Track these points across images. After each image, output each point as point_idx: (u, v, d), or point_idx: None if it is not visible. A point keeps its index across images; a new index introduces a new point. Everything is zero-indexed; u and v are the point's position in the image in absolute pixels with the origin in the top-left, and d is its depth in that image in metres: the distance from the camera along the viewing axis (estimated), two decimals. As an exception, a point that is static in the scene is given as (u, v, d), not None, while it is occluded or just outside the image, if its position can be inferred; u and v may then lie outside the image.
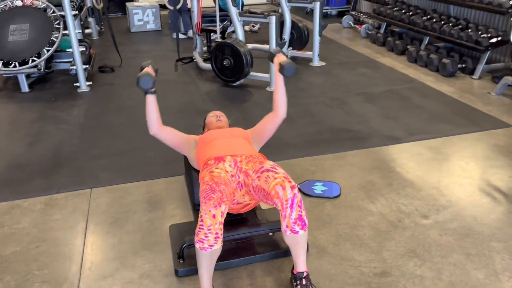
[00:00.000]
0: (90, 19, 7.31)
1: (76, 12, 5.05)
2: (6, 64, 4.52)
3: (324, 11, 8.71)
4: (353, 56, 5.95)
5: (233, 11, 4.63)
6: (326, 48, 6.04)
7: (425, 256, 2.21)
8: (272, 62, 2.53)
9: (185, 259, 2.15)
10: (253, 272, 2.13)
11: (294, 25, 5.68)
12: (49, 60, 4.87)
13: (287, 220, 1.84)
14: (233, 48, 4.49)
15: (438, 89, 4.59)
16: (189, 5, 7.03)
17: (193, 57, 5.64)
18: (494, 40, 4.70)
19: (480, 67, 4.82)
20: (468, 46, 4.87)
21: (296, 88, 4.70)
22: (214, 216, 1.75)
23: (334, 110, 4.11)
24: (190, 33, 7.10)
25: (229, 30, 6.23)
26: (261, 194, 1.96)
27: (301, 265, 1.93)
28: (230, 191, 1.94)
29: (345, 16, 7.83)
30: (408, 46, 5.75)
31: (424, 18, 5.69)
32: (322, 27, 5.39)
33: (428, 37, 5.68)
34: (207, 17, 6.71)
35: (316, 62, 5.51)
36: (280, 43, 4.51)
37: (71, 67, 4.79)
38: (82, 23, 5.90)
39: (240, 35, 4.67)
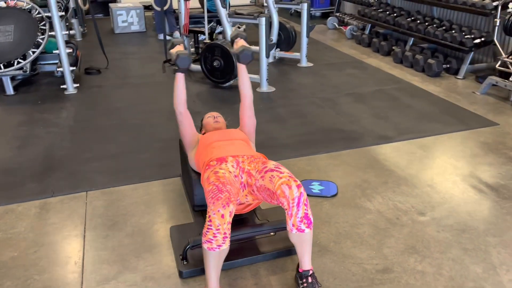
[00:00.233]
0: (73, 20, 7.20)
1: (63, 13, 4.96)
2: (-10, 66, 4.42)
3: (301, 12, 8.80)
4: (340, 57, 6.02)
5: (223, 13, 4.63)
6: (312, 49, 6.09)
7: (425, 252, 2.25)
8: (232, 46, 2.60)
9: (188, 260, 2.14)
10: (257, 272, 2.13)
11: (281, 26, 5.72)
12: (34, 62, 4.78)
13: (293, 219, 1.86)
14: (223, 49, 4.49)
15: (425, 89, 4.68)
16: (174, 7, 7.02)
17: (181, 59, 5.61)
18: (477, 41, 4.82)
19: (464, 67, 4.94)
20: (453, 47, 4.98)
21: (286, 89, 4.73)
22: (222, 216, 1.75)
23: (325, 110, 4.15)
24: (175, 34, 7.07)
25: (217, 31, 6.22)
26: (266, 193, 1.97)
27: (306, 263, 1.94)
28: (235, 191, 1.94)
29: (329, 18, 7.91)
30: (393, 47, 5.85)
31: (409, 19, 5.80)
32: (309, 28, 5.43)
33: (412, 38, 5.79)
34: (192, 18, 6.69)
35: (304, 63, 5.56)
36: (270, 44, 4.53)
37: (58, 69, 4.71)
38: (67, 24, 5.81)
39: (229, 36, 4.66)
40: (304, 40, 5.44)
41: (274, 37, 5.57)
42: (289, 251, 2.23)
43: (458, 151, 3.31)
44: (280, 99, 4.46)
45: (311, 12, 9.05)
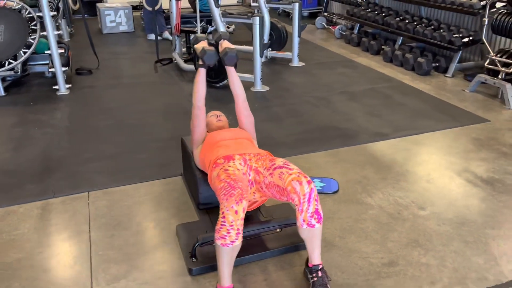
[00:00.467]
0: (61, 21, 7.11)
1: (55, 13, 4.91)
2: (-20, 67, 4.35)
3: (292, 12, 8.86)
4: (330, 56, 6.09)
5: (216, 12, 4.64)
6: (303, 49, 6.13)
7: (428, 245, 2.31)
8: (216, 48, 2.61)
9: (197, 257, 2.16)
10: (265, 268, 2.16)
11: (273, 26, 5.75)
12: (24, 63, 4.72)
13: (304, 214, 1.89)
14: (217, 48, 4.49)
15: (415, 87, 4.77)
16: (164, 6, 7.00)
17: (173, 58, 5.61)
18: (466, 39, 4.93)
19: (453, 66, 5.05)
20: (442, 45, 5.09)
21: (280, 89, 4.77)
22: (236, 212, 1.78)
23: (320, 109, 4.20)
24: (165, 34, 7.04)
25: (209, 30, 6.23)
26: (275, 190, 2.00)
27: (316, 258, 1.98)
28: (246, 188, 1.97)
29: (318, 17, 7.98)
30: (382, 46, 5.95)
31: (397, 19, 5.89)
32: (301, 28, 5.48)
33: (401, 37, 5.89)
34: (182, 18, 6.67)
35: (296, 63, 5.60)
36: (264, 45, 4.56)
37: (49, 70, 4.66)
38: (57, 24, 5.75)
39: (223, 36, 4.68)
40: (296, 40, 5.48)
41: (266, 37, 5.60)
42: (296, 246, 2.27)
43: (452, 147, 3.39)
44: (275, 98, 4.49)
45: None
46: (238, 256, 2.12)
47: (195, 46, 2.54)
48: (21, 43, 4.49)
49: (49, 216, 2.58)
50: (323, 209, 2.60)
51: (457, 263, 2.18)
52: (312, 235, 1.93)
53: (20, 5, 4.65)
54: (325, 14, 8.06)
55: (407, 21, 5.77)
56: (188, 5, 7.51)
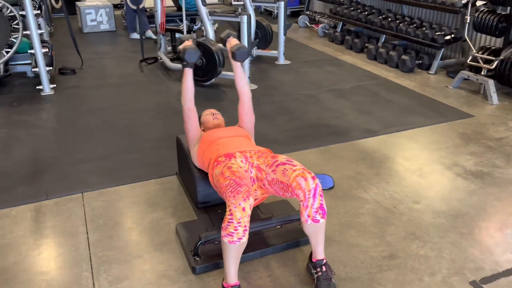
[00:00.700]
0: (40, 19, 6.95)
1: (38, 12, 4.80)
2: (-39, 67, 4.22)
3: (278, 11, 8.89)
4: (315, 54, 6.14)
5: (203, 10, 4.62)
6: (288, 47, 6.14)
7: (425, 237, 2.36)
8: (225, 46, 2.61)
9: (200, 256, 2.15)
10: (268, 264, 2.17)
11: (258, 24, 5.76)
12: (6, 63, 4.60)
13: (309, 210, 1.91)
14: (206, 47, 4.49)
15: (401, 84, 4.86)
16: (147, 5, 6.93)
17: (158, 58, 5.56)
18: (448, 37, 5.05)
19: (436, 63, 5.16)
20: (425, 43, 5.19)
21: (268, 87, 4.79)
22: (243, 209, 1.78)
23: (310, 106, 4.23)
24: (148, 33, 6.97)
25: (194, 29, 6.20)
26: (278, 187, 2.01)
27: (320, 253, 2.00)
28: (250, 185, 1.97)
29: (300, 16, 8.03)
30: (366, 44, 6.03)
31: (380, 17, 5.98)
32: (287, 26, 5.51)
33: (384, 36, 5.98)
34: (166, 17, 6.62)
35: (282, 61, 5.63)
36: (253, 43, 4.57)
37: (33, 69, 4.56)
38: (39, 23, 5.61)
39: (211, 34, 4.67)
40: (282, 38, 5.51)
41: (252, 35, 5.60)
42: (297, 242, 2.29)
43: (441, 142, 3.47)
44: (264, 96, 4.51)
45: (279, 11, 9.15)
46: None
47: (178, 47, 2.48)
48: (3, 43, 4.38)
49: (43, 219, 2.53)
50: (320, 205, 2.64)
51: (454, 254, 2.24)
52: (316, 230, 1.96)
53: (1, 4, 4.53)
54: (307, 12, 8.12)
55: (390, 19, 5.87)
56: (171, 4, 7.44)
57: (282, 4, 5.38)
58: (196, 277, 2.09)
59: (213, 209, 2.51)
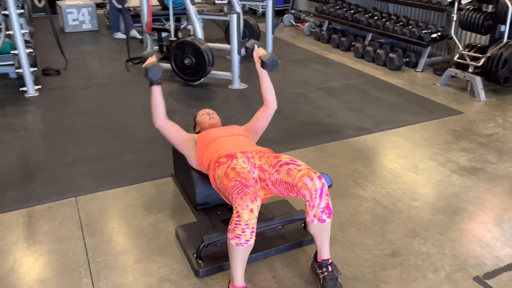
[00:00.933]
0: (22, 19, 6.76)
1: (22, 11, 4.66)
2: None
3: (262, 9, 8.88)
4: (302, 53, 6.14)
5: (192, 9, 4.57)
6: (274, 46, 6.10)
7: (425, 234, 2.37)
8: (250, 55, 2.53)
9: (203, 259, 2.11)
10: (272, 265, 2.15)
11: (245, 23, 5.73)
12: (-14, 64, 4.47)
13: (315, 210, 1.89)
14: (194, 46, 4.44)
15: (389, 81, 4.89)
16: (132, 4, 6.82)
17: (145, 57, 5.46)
18: (434, 35, 5.11)
19: (423, 61, 5.22)
20: (412, 41, 5.24)
21: (258, 86, 4.69)
22: (251, 210, 1.75)
23: (301, 105, 4.22)
24: (132, 33, 6.86)
25: (181, 27, 6.12)
26: (282, 187, 1.99)
27: (326, 253, 1.98)
28: (256, 186, 1.94)
29: (286, 15, 8.03)
30: (353, 43, 6.06)
31: (367, 16, 6.02)
32: (274, 25, 5.49)
33: (371, 34, 6.02)
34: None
35: (270, 60, 5.59)
36: (242, 41, 4.54)
37: (17, 70, 4.43)
38: (21, 23, 5.45)
39: (199, 33, 4.62)
40: (270, 37, 5.49)
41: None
42: (300, 242, 2.27)
43: (433, 139, 3.50)
44: (254, 95, 4.47)
45: (264, 9, 9.14)
46: (244, 255, 2.11)
47: (143, 66, 2.31)
48: (-15, 43, 4.25)
49: (37, 224, 2.45)
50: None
51: (455, 250, 2.25)
52: (322, 230, 1.94)
53: (-19, 3, 4.39)
54: (292, 11, 8.12)
55: (376, 18, 5.91)
56: (156, 2, 7.34)
57: (270, 2, 5.36)
58: (200, 280, 2.05)
59: (212, 211, 2.47)
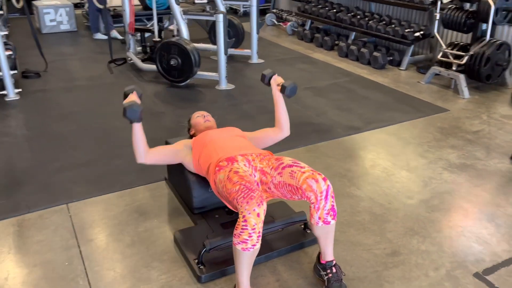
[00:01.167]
0: (-2, 20, 6.57)
1: (1, 12, 4.50)
2: None
3: (244, 9, 8.85)
4: (287, 52, 6.13)
5: (177, 9, 4.50)
6: (258, 46, 6.11)
7: (423, 232, 2.39)
8: (265, 82, 2.57)
9: (204, 264, 2.08)
10: (275, 268, 2.13)
11: (230, 23, 5.69)
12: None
13: (321, 212, 1.88)
14: (181, 47, 4.37)
15: (374, 80, 4.94)
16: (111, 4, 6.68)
17: (128, 58, 5.37)
18: (417, 34, 5.18)
19: (406, 59, 5.29)
20: (395, 40, 5.30)
21: (245, 86, 4.73)
22: (258, 214, 1.72)
23: (289, 105, 4.12)
24: (113, 33, 6.72)
25: (165, 26, 6.04)
26: (286, 190, 1.97)
27: (330, 254, 1.98)
28: (260, 189, 1.92)
29: (267, 14, 8.01)
30: (336, 42, 6.09)
31: (349, 15, 6.06)
32: (259, 25, 5.47)
33: (354, 33, 6.06)
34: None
35: (255, 60, 5.59)
36: (229, 41, 4.50)
37: (-4, 73, 4.28)
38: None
39: (185, 33, 4.56)
40: (255, 37, 5.46)
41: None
42: (301, 244, 2.26)
43: (422, 137, 3.55)
44: (242, 96, 4.45)
45: (246, 9, 9.10)
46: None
47: (123, 105, 2.15)
48: (-38, 45, 4.08)
49: (28, 233, 2.37)
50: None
51: (453, 247, 2.28)
52: (326, 231, 1.93)
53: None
54: (274, 10, 8.11)
55: (359, 16, 5.95)
56: (137, 2, 7.22)
57: (254, 2, 5.33)
58: (202, 286, 2.02)
59: (210, 215, 2.43)
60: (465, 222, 2.48)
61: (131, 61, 5.28)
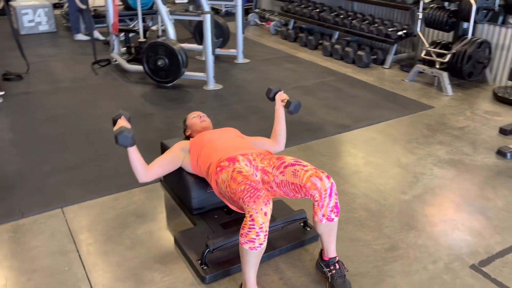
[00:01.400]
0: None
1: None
2: None
3: (225, 9, 8.84)
4: (272, 52, 6.16)
5: (163, 10, 4.47)
6: (243, 46, 6.13)
7: (419, 227, 2.45)
8: (269, 98, 2.62)
9: (208, 265, 2.08)
10: (277, 267, 2.15)
11: (215, 23, 5.66)
12: None
13: (325, 209, 1.90)
14: (168, 47, 4.35)
15: (360, 79, 5.01)
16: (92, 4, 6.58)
17: (112, 59, 5.30)
18: (400, 33, 5.27)
19: (390, 58, 5.38)
20: (379, 39, 5.39)
21: (233, 86, 4.73)
22: (265, 214, 1.73)
23: (279, 104, 4.22)
24: (95, 34, 6.62)
25: (150, 25, 5.98)
26: (288, 188, 1.99)
27: (333, 251, 2.00)
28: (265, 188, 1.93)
29: (250, 14, 8.02)
30: (320, 41, 6.15)
31: (333, 14, 6.13)
32: (244, 25, 5.48)
33: (338, 32, 6.13)
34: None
35: (241, 60, 5.59)
36: (216, 41, 4.49)
37: (-23, 76, 4.17)
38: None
39: (172, 33, 4.53)
40: (240, 37, 5.47)
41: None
42: (302, 242, 2.28)
43: (411, 134, 3.62)
44: (231, 96, 4.45)
45: (228, 8, 9.10)
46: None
47: (114, 133, 2.10)
48: None
49: (24, 239, 2.32)
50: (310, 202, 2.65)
51: (449, 241, 2.34)
52: (330, 229, 1.96)
53: None
54: (256, 10, 8.13)
55: (342, 16, 6.02)
56: (119, 2, 7.12)
57: (239, 1, 5.34)
58: (206, 287, 2.02)
59: (209, 215, 2.43)
60: (458, 216, 2.55)
61: (116, 62, 5.22)
